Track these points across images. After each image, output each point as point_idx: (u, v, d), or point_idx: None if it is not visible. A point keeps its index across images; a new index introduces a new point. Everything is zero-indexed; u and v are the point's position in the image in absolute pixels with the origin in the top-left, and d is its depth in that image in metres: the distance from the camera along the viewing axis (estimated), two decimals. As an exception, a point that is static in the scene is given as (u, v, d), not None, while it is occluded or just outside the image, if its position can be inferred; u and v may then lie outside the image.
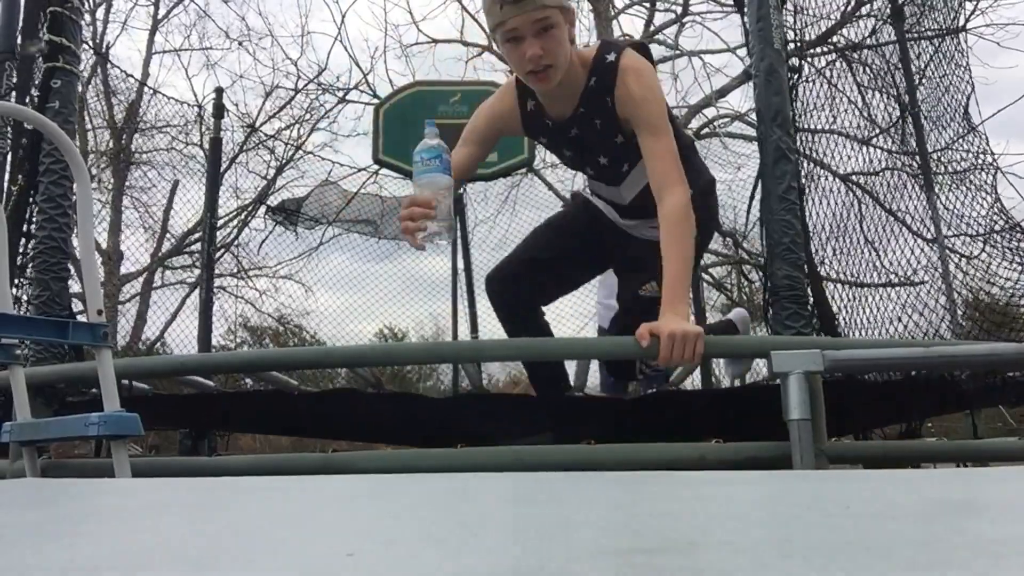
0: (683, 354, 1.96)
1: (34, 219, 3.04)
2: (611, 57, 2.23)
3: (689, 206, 2.12)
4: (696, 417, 2.43)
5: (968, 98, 4.30)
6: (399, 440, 2.89)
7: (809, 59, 3.46)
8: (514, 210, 9.86)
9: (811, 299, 3.00)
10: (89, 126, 11.36)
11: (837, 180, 3.84)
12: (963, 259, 4.17)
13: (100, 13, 12.97)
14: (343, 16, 17.29)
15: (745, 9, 3.28)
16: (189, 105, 10.18)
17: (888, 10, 4.34)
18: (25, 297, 2.99)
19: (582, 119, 2.29)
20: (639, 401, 2.52)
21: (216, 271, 7.81)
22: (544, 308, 2.67)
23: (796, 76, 3.32)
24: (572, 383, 2.44)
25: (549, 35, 2.11)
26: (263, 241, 8.75)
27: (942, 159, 4.32)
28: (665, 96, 2.34)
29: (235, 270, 11.85)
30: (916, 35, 4.48)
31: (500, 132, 2.48)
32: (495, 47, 12.00)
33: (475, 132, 2.44)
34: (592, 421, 2.40)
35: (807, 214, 3.21)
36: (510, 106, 2.39)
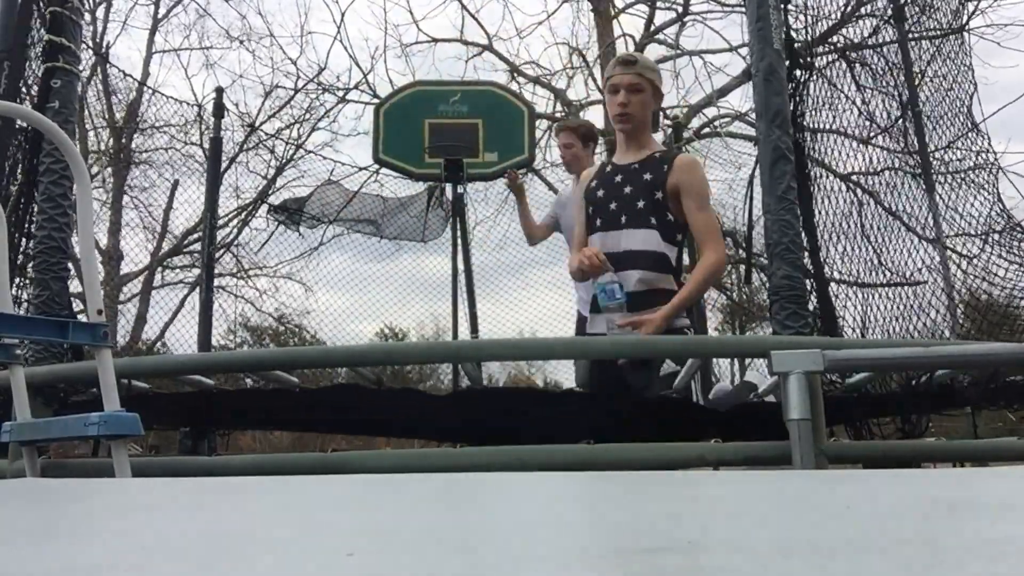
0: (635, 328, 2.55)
1: (34, 219, 3.04)
2: (674, 152, 2.99)
3: (721, 264, 2.81)
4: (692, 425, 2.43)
5: (971, 98, 4.30)
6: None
7: (813, 59, 3.44)
8: (514, 210, 9.86)
9: (815, 299, 3.00)
10: (89, 126, 11.36)
11: (839, 180, 3.84)
12: (963, 259, 4.17)
13: (100, 13, 12.99)
14: (343, 16, 17.27)
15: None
16: (189, 105, 10.19)
17: (889, 10, 4.33)
18: (25, 297, 2.99)
19: (636, 172, 2.88)
20: (639, 404, 2.52)
21: (216, 271, 7.81)
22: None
23: (807, 74, 3.32)
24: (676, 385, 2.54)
25: (637, 95, 2.85)
26: (266, 241, 8.76)
27: (944, 158, 4.32)
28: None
29: (235, 270, 11.87)
30: (917, 35, 4.48)
31: (580, 194, 3.07)
32: (495, 47, 12.02)
33: (581, 208, 3.04)
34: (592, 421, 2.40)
35: (814, 214, 3.21)
36: (595, 168, 3.08)
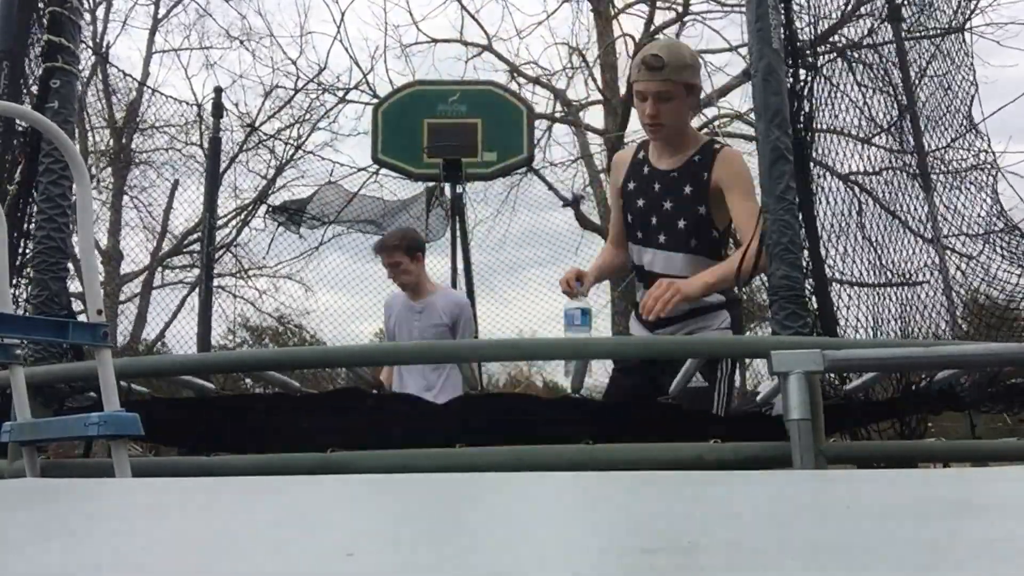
0: (656, 305, 2.37)
1: (33, 219, 3.04)
2: (717, 146, 2.72)
3: (753, 259, 2.57)
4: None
5: (972, 98, 4.30)
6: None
7: (816, 58, 3.44)
8: (514, 210, 9.87)
9: (814, 299, 2.99)
10: (89, 126, 11.35)
11: (838, 180, 3.84)
12: (963, 259, 4.17)
13: (100, 13, 12.98)
14: (342, 16, 17.21)
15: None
16: (188, 104, 10.19)
17: (885, 10, 4.33)
18: (24, 297, 2.98)
19: (675, 181, 2.70)
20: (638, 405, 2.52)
21: (216, 271, 7.81)
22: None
23: (812, 75, 3.32)
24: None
25: (667, 102, 2.59)
26: (271, 242, 8.75)
27: (943, 158, 4.32)
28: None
29: (235, 270, 11.87)
30: (916, 35, 4.48)
31: (615, 184, 2.91)
32: (495, 47, 12.02)
33: (615, 193, 2.92)
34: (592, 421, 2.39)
35: (815, 214, 3.21)
36: (630, 152, 2.91)
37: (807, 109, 3.11)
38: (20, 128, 3.11)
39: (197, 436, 2.77)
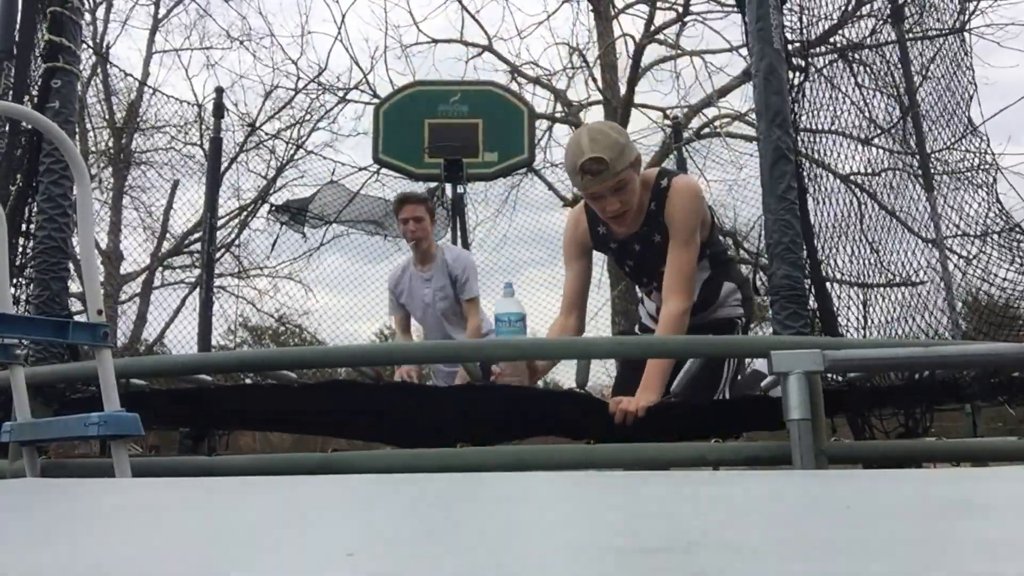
0: (624, 419, 2.26)
1: (34, 219, 3.04)
2: (664, 182, 2.60)
3: (686, 316, 2.51)
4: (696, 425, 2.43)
5: (971, 98, 4.30)
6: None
7: (811, 59, 3.45)
8: (514, 210, 9.88)
9: (813, 299, 2.99)
10: (89, 126, 11.36)
11: (838, 180, 3.84)
12: (963, 259, 4.17)
13: (100, 13, 12.98)
14: (343, 16, 17.26)
15: (745, 8, 3.27)
16: (189, 104, 10.19)
17: (888, 10, 4.33)
18: (25, 297, 2.98)
19: (644, 237, 2.65)
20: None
21: (216, 271, 7.81)
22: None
23: (802, 76, 3.32)
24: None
25: (624, 190, 2.50)
26: (274, 242, 8.75)
27: (943, 159, 4.32)
28: (706, 215, 2.66)
29: (235, 270, 11.87)
30: (917, 35, 4.48)
31: (586, 249, 2.83)
32: (495, 47, 12.02)
33: (569, 255, 2.84)
34: (592, 421, 2.40)
35: (811, 214, 3.21)
36: (583, 232, 2.79)
37: (795, 110, 3.10)
38: (24, 128, 3.11)
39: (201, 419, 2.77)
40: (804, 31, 3.51)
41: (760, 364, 3.35)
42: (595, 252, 2.84)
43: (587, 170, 2.44)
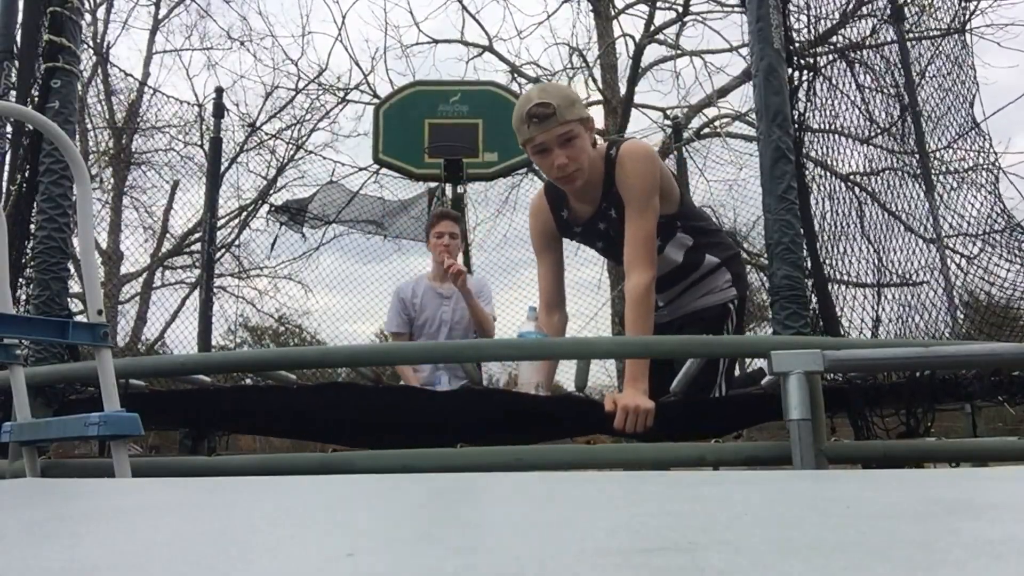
0: (635, 426, 2.14)
1: (34, 219, 3.04)
2: (614, 152, 2.49)
3: (651, 288, 2.38)
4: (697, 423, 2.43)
5: (974, 98, 4.30)
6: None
7: (813, 59, 3.45)
8: (514, 211, 9.88)
9: (814, 299, 2.99)
10: (89, 126, 11.36)
11: (838, 180, 3.84)
12: (963, 259, 4.17)
13: (100, 13, 12.99)
14: (343, 16, 17.31)
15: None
16: (189, 105, 10.20)
17: (888, 10, 4.34)
18: (25, 297, 2.98)
19: (605, 213, 2.56)
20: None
21: (216, 271, 7.81)
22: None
23: (806, 75, 3.31)
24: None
25: (572, 145, 2.39)
26: (274, 242, 8.75)
27: (943, 158, 4.32)
28: (661, 179, 2.51)
29: (235, 270, 11.87)
30: (917, 35, 4.48)
31: (553, 237, 2.74)
32: (495, 47, 12.02)
33: (538, 247, 2.78)
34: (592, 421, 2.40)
35: (812, 214, 3.21)
36: (547, 220, 2.71)
37: (801, 110, 3.09)
38: (26, 129, 3.11)
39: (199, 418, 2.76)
40: (810, 30, 3.51)
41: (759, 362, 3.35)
42: (564, 240, 2.77)
43: (533, 115, 2.34)
